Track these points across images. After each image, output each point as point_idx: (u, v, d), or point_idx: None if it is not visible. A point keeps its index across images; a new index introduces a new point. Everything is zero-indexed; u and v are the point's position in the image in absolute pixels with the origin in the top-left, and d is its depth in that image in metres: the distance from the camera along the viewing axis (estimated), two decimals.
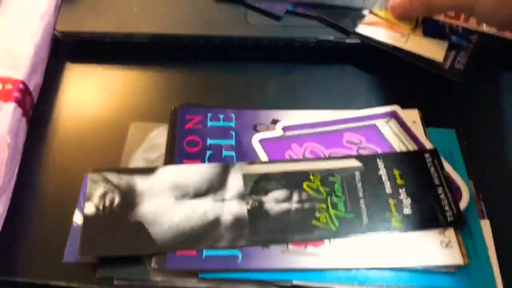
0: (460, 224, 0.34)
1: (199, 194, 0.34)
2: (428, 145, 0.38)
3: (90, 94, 0.42)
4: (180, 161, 0.36)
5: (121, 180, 0.35)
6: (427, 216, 0.34)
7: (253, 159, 0.37)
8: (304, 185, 0.35)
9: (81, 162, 0.38)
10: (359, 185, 0.35)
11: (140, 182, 0.35)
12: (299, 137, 0.38)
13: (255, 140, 0.38)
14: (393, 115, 0.40)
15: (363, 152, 0.38)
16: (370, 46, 0.43)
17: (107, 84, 0.43)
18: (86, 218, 0.33)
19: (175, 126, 0.38)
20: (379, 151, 0.38)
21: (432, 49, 0.42)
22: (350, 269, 0.32)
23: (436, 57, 0.41)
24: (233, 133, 0.38)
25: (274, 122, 0.39)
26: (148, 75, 0.44)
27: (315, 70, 0.44)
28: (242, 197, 0.34)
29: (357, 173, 0.36)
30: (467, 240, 0.34)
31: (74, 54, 0.44)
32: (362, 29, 0.43)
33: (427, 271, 0.33)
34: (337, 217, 0.34)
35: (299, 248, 0.33)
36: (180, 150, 0.37)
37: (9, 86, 0.36)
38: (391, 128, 0.39)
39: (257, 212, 0.34)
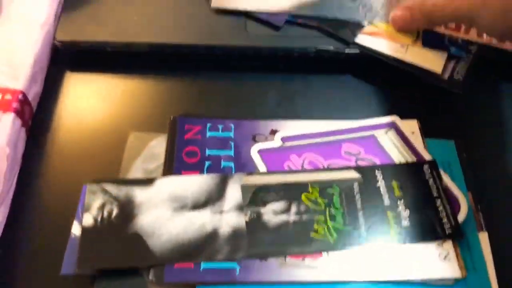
0: (459, 236, 0.34)
1: (197, 205, 0.34)
2: (427, 156, 0.38)
3: (90, 103, 0.42)
4: (178, 172, 0.36)
5: (119, 191, 0.35)
6: (426, 229, 0.34)
7: (252, 170, 0.37)
8: (303, 196, 0.35)
9: (80, 171, 0.38)
10: (358, 196, 0.35)
11: (139, 193, 0.35)
12: (298, 148, 0.38)
13: (254, 151, 0.38)
14: (392, 126, 0.40)
15: (361, 163, 0.38)
16: (369, 56, 0.43)
17: (106, 93, 0.43)
18: (84, 230, 0.33)
19: (174, 136, 0.38)
20: (378, 162, 0.38)
21: (431, 60, 0.42)
22: (348, 282, 0.32)
23: (435, 68, 0.41)
24: (232, 144, 0.38)
25: (273, 132, 0.39)
26: (148, 84, 0.44)
27: (314, 79, 0.44)
28: (240, 208, 0.34)
29: (355, 185, 0.36)
30: (465, 252, 0.34)
31: (74, 63, 0.44)
32: (361, 39, 0.43)
33: (425, 284, 0.33)
34: (335, 229, 0.34)
35: (297, 261, 0.33)
36: (179, 160, 0.37)
37: (8, 97, 0.36)
38: (390, 139, 0.39)
39: (256, 224, 0.34)
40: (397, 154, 0.38)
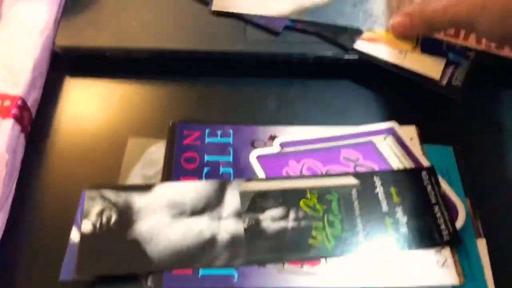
0: (457, 243, 0.34)
1: (196, 212, 0.34)
2: (425, 162, 0.38)
3: (89, 108, 0.42)
4: (177, 178, 0.36)
5: (118, 197, 0.35)
6: (424, 235, 0.34)
7: (250, 175, 0.37)
8: (301, 202, 0.35)
9: (80, 177, 0.38)
10: (356, 203, 0.35)
11: (137, 200, 0.35)
12: (297, 154, 0.38)
13: (253, 157, 0.38)
14: (391, 132, 0.40)
15: (360, 169, 0.38)
16: (368, 62, 0.43)
17: (106, 98, 0.43)
18: (83, 236, 0.33)
19: (173, 142, 0.38)
20: (376, 168, 0.38)
21: (429, 66, 0.42)
22: None
23: (434, 74, 0.41)
24: (231, 149, 0.38)
25: (272, 138, 0.39)
26: (147, 90, 0.44)
27: (313, 85, 0.44)
28: (239, 215, 0.34)
29: (354, 191, 0.36)
30: (463, 259, 0.34)
31: (73, 69, 0.44)
32: (360, 45, 0.43)
33: None
34: (334, 236, 0.34)
35: (295, 267, 0.33)
36: (178, 166, 0.37)
37: (7, 103, 0.37)
38: (388, 145, 0.39)
39: (254, 231, 0.34)
40: (396, 160, 0.38)
